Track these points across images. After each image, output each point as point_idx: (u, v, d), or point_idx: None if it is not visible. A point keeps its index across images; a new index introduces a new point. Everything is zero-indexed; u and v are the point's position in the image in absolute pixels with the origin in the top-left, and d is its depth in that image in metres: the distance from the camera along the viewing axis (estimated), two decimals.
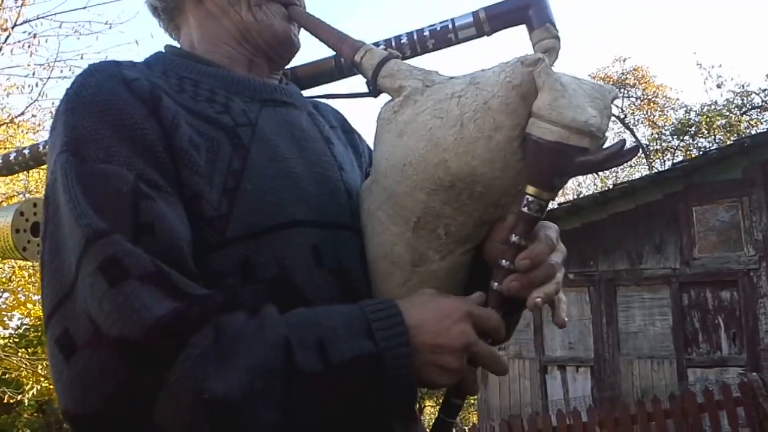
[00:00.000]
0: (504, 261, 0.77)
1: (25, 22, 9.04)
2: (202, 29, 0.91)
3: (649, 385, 7.35)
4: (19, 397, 10.43)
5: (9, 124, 9.68)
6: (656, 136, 20.09)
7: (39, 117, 9.70)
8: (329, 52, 0.99)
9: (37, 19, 8.90)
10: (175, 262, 0.67)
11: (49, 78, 9.45)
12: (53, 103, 9.71)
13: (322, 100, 1.06)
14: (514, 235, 0.76)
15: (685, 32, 38.79)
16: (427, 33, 0.96)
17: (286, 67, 0.99)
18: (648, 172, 16.74)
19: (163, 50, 0.92)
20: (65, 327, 0.64)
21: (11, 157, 1.02)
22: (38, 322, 17.03)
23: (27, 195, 9.74)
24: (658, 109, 20.82)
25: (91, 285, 0.63)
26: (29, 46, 9.43)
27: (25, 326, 17.46)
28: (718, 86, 19.57)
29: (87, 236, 0.65)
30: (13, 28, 8.97)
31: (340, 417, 0.69)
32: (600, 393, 7.55)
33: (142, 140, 0.71)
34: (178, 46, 0.94)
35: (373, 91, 0.88)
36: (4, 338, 14.47)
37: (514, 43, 0.95)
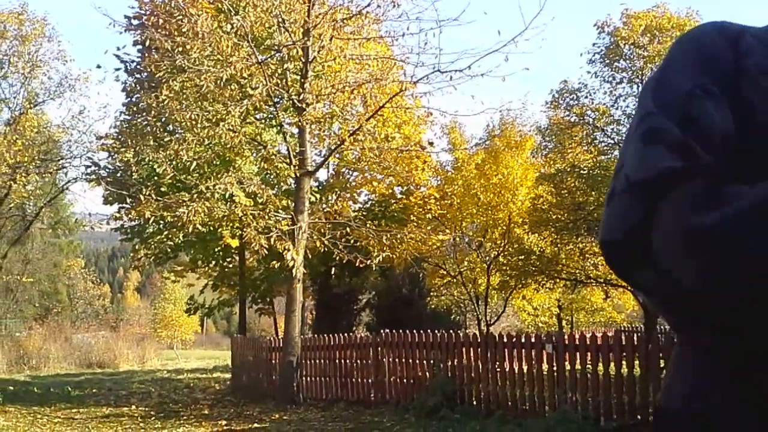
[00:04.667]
0: None
1: None
2: None
3: None
4: (368, 262, 11.84)
5: (357, 16, 10.54)
6: None
7: (383, 7, 10.34)
8: None
9: None
10: (704, 143, 0.85)
11: None
12: None
13: None
14: None
15: None
16: None
17: None
18: None
19: None
20: (613, 184, 0.88)
21: None
22: (382, 198, 19.11)
23: (373, 83, 10.63)
24: None
25: (634, 147, 0.88)
26: None
27: (371, 201, 19.70)
28: None
29: (641, 116, 0.90)
30: None
31: None
32: None
33: (711, 61, 0.92)
34: None
35: None
36: (354, 211, 16.55)
37: None
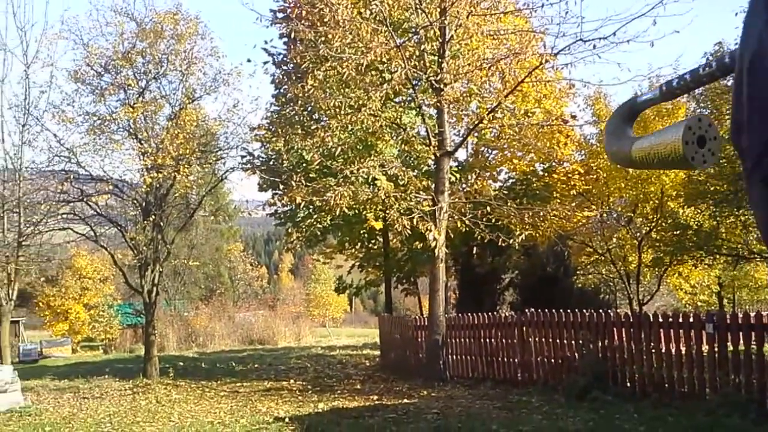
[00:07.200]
0: None
1: None
2: None
3: None
4: (510, 241, 11.72)
5: None
6: None
7: None
8: None
9: None
10: None
11: None
12: None
13: None
14: None
15: None
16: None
17: None
18: None
19: None
20: None
21: (673, 83, 1.17)
22: (523, 176, 18.79)
23: (511, 58, 10.47)
24: None
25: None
26: None
27: (511, 179, 19.44)
28: None
29: None
30: None
31: None
32: None
33: None
34: None
35: None
36: (495, 190, 16.38)
37: None
